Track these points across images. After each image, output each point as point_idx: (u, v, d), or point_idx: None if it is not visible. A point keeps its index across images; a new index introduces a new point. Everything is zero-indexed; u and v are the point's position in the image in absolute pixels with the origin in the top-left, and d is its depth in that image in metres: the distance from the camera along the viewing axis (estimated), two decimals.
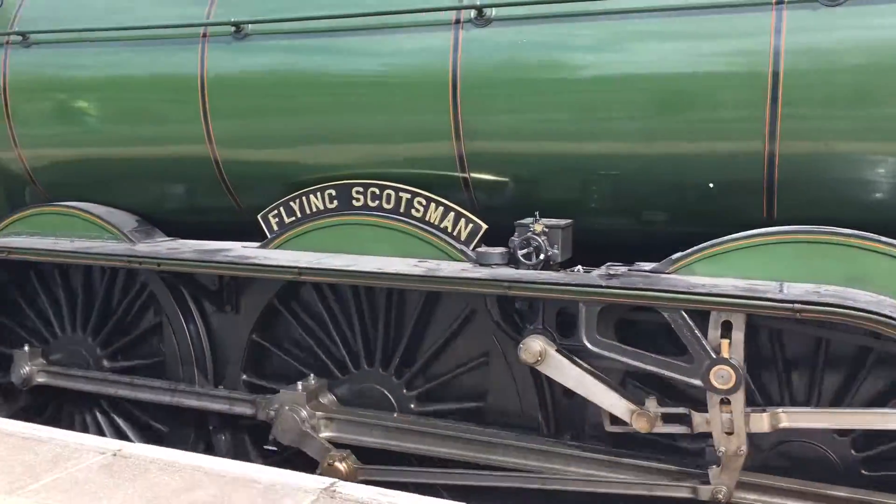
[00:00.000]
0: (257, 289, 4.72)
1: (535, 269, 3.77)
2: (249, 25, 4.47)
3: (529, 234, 3.81)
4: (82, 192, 5.18)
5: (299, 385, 4.35)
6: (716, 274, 3.57)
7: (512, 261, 3.88)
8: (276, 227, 4.54)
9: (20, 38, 5.04)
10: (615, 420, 3.62)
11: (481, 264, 3.93)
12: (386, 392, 4.46)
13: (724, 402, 3.41)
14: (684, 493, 3.54)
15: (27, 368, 5.17)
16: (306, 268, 4.05)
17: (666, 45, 3.72)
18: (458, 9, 4.04)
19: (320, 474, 4.07)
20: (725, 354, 3.32)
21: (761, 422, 3.41)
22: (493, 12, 3.97)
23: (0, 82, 5.06)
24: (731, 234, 3.53)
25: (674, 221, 3.99)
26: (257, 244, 4.59)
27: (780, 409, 3.47)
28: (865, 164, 3.60)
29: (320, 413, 4.29)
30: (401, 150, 4.32)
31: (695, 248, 3.64)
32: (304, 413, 4.26)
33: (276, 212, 4.54)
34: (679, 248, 3.61)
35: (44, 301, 5.43)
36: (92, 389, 5.07)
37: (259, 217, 4.58)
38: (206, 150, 4.66)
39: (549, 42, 3.92)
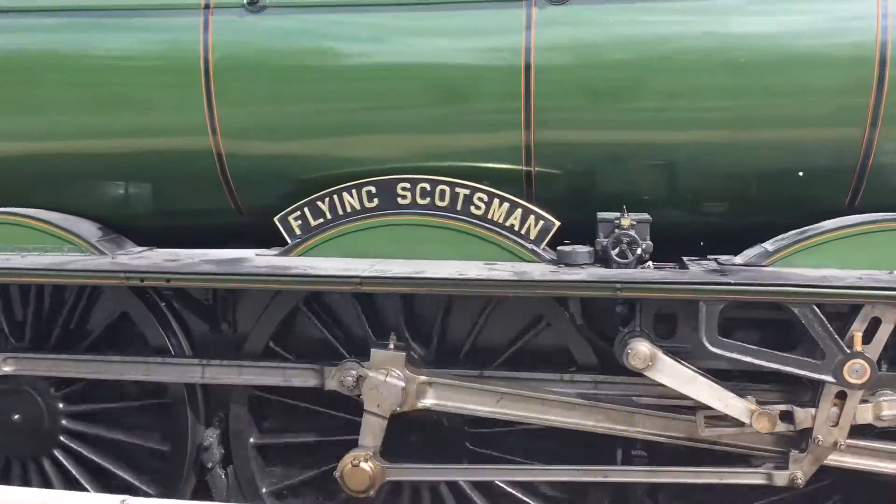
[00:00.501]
0: (279, 302, 4.04)
1: (631, 268, 3.49)
2: None
3: (618, 230, 3.53)
4: (19, 195, 4.24)
5: (391, 344, 3.74)
6: (817, 265, 3.48)
7: (601, 259, 3.57)
8: (298, 231, 3.91)
9: None
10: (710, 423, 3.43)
11: (567, 264, 3.57)
12: None
13: (839, 395, 3.32)
14: (759, 480, 3.42)
15: None
16: (372, 277, 3.48)
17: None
18: None
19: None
20: (859, 348, 3.21)
21: (866, 413, 3.35)
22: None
23: None
24: None
25: None
26: (275, 251, 3.95)
27: (882, 399, 3.42)
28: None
29: (422, 377, 3.72)
30: (462, 141, 3.86)
31: (790, 239, 3.54)
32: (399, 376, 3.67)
33: (298, 213, 3.91)
34: None
35: None
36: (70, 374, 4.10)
37: (276, 220, 3.92)
38: (206, 141, 3.93)
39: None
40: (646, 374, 3.42)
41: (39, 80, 3.97)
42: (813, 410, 3.30)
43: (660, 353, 3.40)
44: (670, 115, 3.66)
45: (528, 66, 3.64)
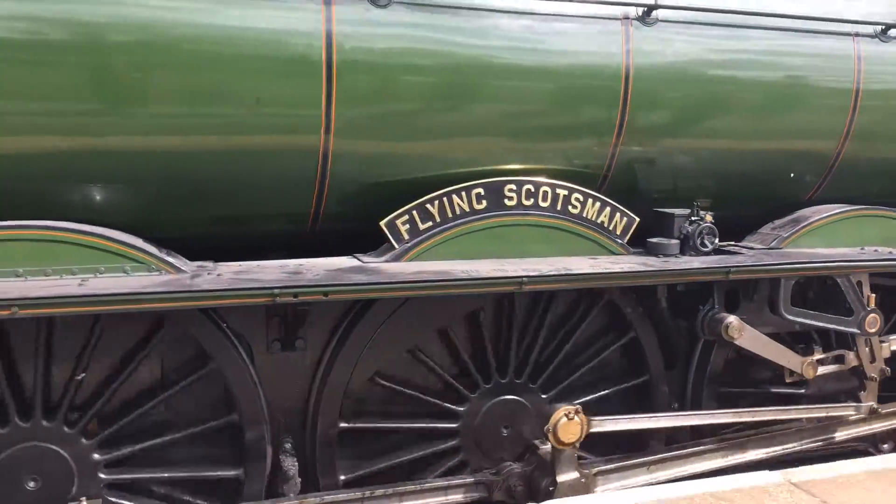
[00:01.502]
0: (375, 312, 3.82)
1: (710, 255, 4.14)
2: None
3: (700, 223, 4.14)
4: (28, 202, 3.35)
5: None
6: (815, 245, 4.50)
7: (686, 249, 4.14)
8: (406, 236, 3.77)
9: None
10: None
11: (664, 255, 4.07)
12: (526, 402, 4.16)
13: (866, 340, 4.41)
14: (850, 412, 4.43)
15: None
16: (536, 276, 3.58)
17: None
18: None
19: None
20: (872, 305, 4.30)
21: (887, 350, 4.50)
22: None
23: None
24: None
25: None
26: (381, 257, 3.74)
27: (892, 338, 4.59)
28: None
29: None
30: (561, 146, 4.08)
31: (790, 227, 4.52)
32: None
33: (406, 217, 3.77)
34: None
35: None
36: None
37: (383, 224, 3.73)
38: (316, 140, 3.56)
39: None
40: (736, 342, 4.10)
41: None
42: (852, 354, 4.31)
43: (746, 325, 4.11)
44: None
45: None
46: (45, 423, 3.39)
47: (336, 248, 3.92)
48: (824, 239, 4.54)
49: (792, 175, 4.67)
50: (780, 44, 4.36)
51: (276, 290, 3.20)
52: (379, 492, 3.70)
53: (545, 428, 3.78)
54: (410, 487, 3.77)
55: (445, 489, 3.84)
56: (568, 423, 3.72)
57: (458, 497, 3.86)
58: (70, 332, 3.45)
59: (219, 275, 3.37)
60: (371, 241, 3.85)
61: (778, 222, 4.64)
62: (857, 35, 4.54)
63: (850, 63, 4.50)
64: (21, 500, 3.36)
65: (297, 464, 3.75)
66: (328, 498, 3.61)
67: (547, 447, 3.85)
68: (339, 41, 3.48)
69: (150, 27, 3.24)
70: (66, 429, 3.42)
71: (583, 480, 3.85)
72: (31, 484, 3.39)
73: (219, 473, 3.71)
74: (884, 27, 4.57)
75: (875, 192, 4.84)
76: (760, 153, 4.52)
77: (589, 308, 4.28)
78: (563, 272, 3.69)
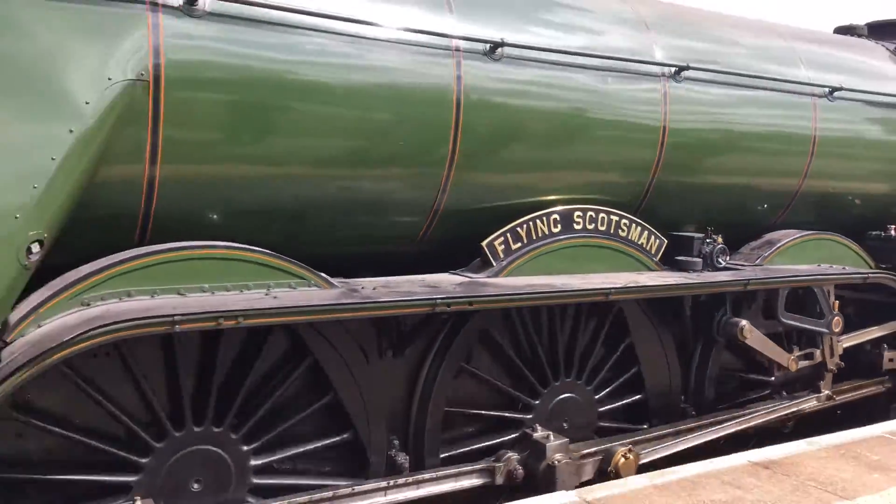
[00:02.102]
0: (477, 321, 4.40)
1: (721, 271, 5.07)
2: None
3: (716, 245, 5.07)
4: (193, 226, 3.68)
5: None
6: (786, 263, 5.57)
7: (706, 265, 5.05)
8: (501, 254, 4.41)
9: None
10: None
11: (693, 270, 4.96)
12: (579, 398, 4.88)
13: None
14: (813, 402, 5.48)
15: None
16: (623, 287, 4.34)
17: None
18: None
19: None
20: (836, 310, 5.41)
21: (841, 347, 5.62)
22: None
23: None
24: None
25: None
26: (481, 273, 4.34)
27: (843, 338, 5.70)
28: None
29: None
30: (611, 178, 4.86)
31: (766, 247, 5.57)
32: None
33: (501, 238, 4.41)
34: None
35: None
36: None
37: (484, 245, 4.35)
38: (441, 171, 4.13)
39: None
40: (746, 342, 5.05)
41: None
42: (818, 351, 5.40)
43: (753, 328, 5.08)
44: None
45: None
46: (214, 428, 3.69)
47: (427, 265, 4.45)
48: (792, 258, 5.63)
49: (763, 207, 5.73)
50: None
51: (438, 301, 3.73)
52: (401, 480, 4.07)
53: (608, 470, 4.51)
54: (427, 476, 4.16)
55: (456, 476, 4.27)
56: (625, 462, 4.51)
57: (467, 482, 4.29)
58: (229, 345, 3.78)
59: (374, 288, 3.84)
60: (449, 260, 4.45)
61: (754, 244, 5.67)
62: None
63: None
64: (186, 501, 3.63)
65: (407, 457, 4.25)
66: (358, 488, 3.92)
67: (539, 433, 4.47)
68: (466, 91, 4.10)
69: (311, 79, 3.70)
70: (231, 434, 3.73)
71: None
72: (196, 486, 3.67)
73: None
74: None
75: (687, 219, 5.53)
76: None
77: (602, 318, 5.02)
78: (641, 285, 4.48)
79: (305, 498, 3.71)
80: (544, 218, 4.56)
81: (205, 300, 3.35)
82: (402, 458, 4.24)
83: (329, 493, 3.81)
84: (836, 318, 5.42)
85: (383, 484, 4.00)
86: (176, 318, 3.13)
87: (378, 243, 4.38)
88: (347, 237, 4.21)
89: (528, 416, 4.68)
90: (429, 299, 3.73)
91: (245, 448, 3.79)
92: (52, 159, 3.00)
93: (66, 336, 2.90)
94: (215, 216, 3.68)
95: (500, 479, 4.36)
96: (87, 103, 3.09)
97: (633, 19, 5.01)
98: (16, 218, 2.93)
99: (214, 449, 3.69)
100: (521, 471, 4.36)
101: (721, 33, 5.50)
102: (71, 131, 3.04)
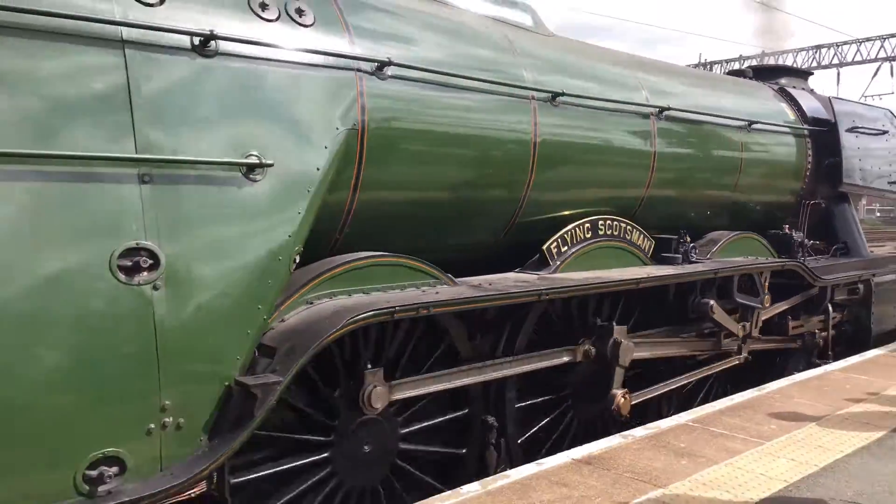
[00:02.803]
0: None
1: (694, 264, 6.63)
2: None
3: (689, 243, 6.63)
4: (365, 240, 4.70)
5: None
6: (726, 256, 7.26)
7: (684, 260, 6.58)
8: (556, 255, 5.70)
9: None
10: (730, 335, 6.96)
11: (676, 264, 6.48)
12: None
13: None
14: (736, 362, 7.18)
15: None
16: (645, 278, 5.77)
17: None
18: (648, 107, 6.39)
19: None
20: (766, 291, 7.17)
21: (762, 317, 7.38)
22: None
23: None
24: None
25: None
26: (543, 271, 5.59)
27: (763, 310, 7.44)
28: None
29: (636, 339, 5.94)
30: (616, 194, 6.28)
31: (714, 244, 7.23)
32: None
33: (555, 242, 5.71)
34: None
35: None
36: None
37: (543, 248, 5.62)
38: (520, 193, 5.35)
39: None
40: (713, 317, 6.65)
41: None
42: (748, 323, 7.13)
43: (718, 306, 6.69)
44: None
45: None
46: None
47: (492, 267, 5.62)
48: (730, 252, 7.33)
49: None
50: None
51: (544, 292, 4.96)
52: (508, 358, 5.22)
53: (612, 408, 5.87)
54: (533, 354, 5.32)
55: (550, 355, 5.48)
56: (625, 401, 5.90)
57: (557, 360, 5.50)
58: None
59: (478, 284, 4.98)
60: (504, 261, 5.67)
61: (700, 242, 7.30)
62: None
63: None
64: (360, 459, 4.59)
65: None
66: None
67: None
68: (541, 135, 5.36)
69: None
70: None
71: None
72: (366, 447, 4.63)
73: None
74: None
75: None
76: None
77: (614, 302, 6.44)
78: (657, 275, 5.92)
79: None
80: (581, 226, 5.89)
81: (405, 295, 4.39)
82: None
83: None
84: (767, 296, 7.19)
85: (489, 363, 5.07)
86: (402, 307, 4.18)
87: (467, 251, 5.52)
88: (450, 245, 5.32)
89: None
90: (548, 289, 4.98)
91: (398, 419, 4.80)
92: (308, 191, 3.95)
93: (338, 322, 3.86)
94: (382, 231, 4.69)
95: (579, 357, 5.62)
96: (325, 147, 4.05)
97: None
98: (289, 237, 3.86)
99: (380, 419, 4.68)
100: (593, 351, 5.68)
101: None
102: (318, 169, 4.00)
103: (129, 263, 3.29)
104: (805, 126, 8.41)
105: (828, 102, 8.84)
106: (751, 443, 5.18)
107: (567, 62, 5.93)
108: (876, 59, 24.16)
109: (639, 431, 5.35)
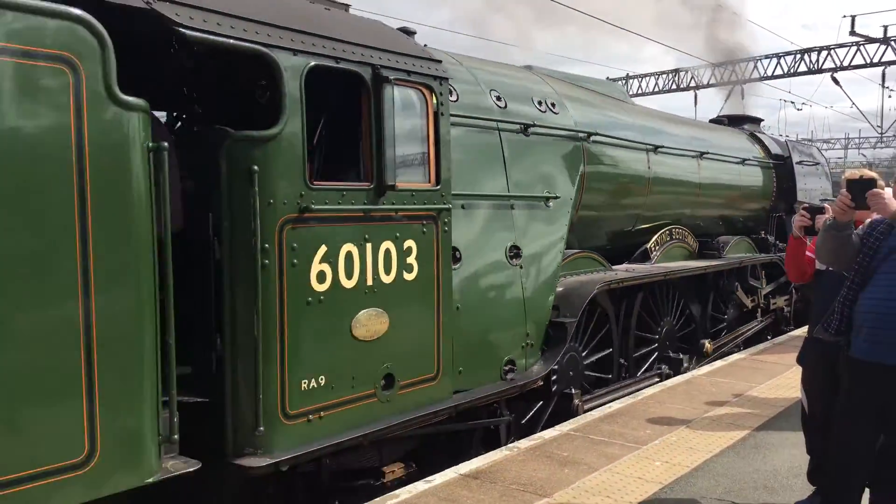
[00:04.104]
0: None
1: (725, 258, 9.68)
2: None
3: (720, 244, 9.68)
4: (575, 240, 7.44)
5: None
6: (731, 253, 10.40)
7: (719, 256, 9.61)
8: (653, 252, 8.58)
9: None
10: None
11: (716, 259, 9.50)
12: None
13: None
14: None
15: None
16: (714, 264, 8.75)
17: None
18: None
19: None
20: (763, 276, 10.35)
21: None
22: None
23: None
24: None
25: None
26: (647, 263, 8.45)
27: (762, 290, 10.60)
28: None
29: None
30: (678, 211, 9.23)
31: (728, 245, 10.35)
32: None
33: (655, 242, 8.60)
34: None
35: None
36: None
37: (647, 246, 8.50)
38: (638, 210, 8.23)
39: None
40: (737, 295, 9.72)
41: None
42: (755, 297, 10.29)
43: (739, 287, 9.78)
44: None
45: None
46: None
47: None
48: (734, 251, 10.43)
49: None
50: None
51: (673, 272, 7.83)
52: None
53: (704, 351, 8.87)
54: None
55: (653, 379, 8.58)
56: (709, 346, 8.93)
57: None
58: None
59: (626, 270, 7.81)
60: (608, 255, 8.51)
61: (712, 243, 10.39)
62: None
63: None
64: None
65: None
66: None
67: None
68: (652, 167, 8.26)
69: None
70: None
71: None
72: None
73: None
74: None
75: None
76: None
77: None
78: (715, 264, 8.91)
79: None
80: (667, 232, 8.82)
81: (609, 275, 7.15)
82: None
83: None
84: (764, 280, 10.35)
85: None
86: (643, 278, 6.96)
87: (609, 249, 8.31)
88: (605, 246, 8.08)
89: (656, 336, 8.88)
90: (702, 267, 7.88)
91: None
92: (567, 212, 6.66)
93: (592, 288, 6.57)
94: (583, 236, 7.43)
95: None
96: (573, 184, 6.76)
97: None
98: (561, 237, 6.54)
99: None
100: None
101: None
102: (570, 198, 6.71)
103: (512, 253, 5.92)
104: (771, 160, 11.72)
105: (784, 143, 12.25)
106: (628, 448, 5.41)
107: (654, 125, 8.87)
108: (729, 83, 25.64)
109: (524, 443, 5.51)
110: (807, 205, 4.40)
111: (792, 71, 24.83)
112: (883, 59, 23.53)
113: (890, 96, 28.83)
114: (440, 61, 5.17)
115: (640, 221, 8.41)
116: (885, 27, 23.01)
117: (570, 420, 5.97)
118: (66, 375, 3.17)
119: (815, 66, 24.35)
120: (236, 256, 3.96)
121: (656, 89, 29.11)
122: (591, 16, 12.28)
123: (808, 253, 4.41)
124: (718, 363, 8.40)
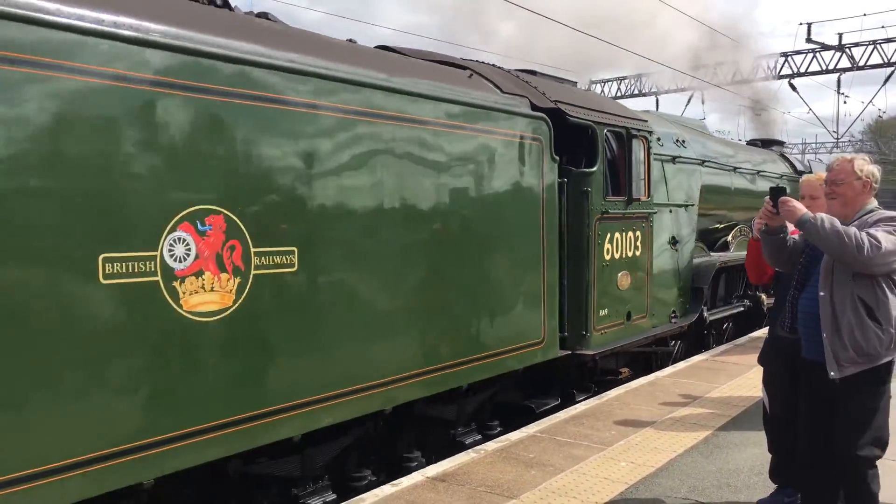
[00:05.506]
0: None
1: None
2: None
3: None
4: None
5: None
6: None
7: None
8: (733, 243, 11.83)
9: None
10: None
11: None
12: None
13: None
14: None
15: None
16: None
17: None
18: None
19: None
20: None
21: None
22: None
23: None
24: None
25: None
26: (729, 252, 11.70)
27: None
28: None
29: None
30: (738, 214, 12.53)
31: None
32: None
33: (731, 236, 11.86)
34: None
35: None
36: None
37: (727, 239, 11.76)
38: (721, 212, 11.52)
39: None
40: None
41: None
42: None
43: None
44: None
45: None
46: None
47: None
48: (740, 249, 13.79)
49: None
50: None
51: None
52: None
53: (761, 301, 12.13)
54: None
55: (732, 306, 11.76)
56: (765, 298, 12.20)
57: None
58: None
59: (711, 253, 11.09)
60: None
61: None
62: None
63: None
64: None
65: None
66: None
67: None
68: (732, 183, 11.56)
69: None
70: None
71: None
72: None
73: None
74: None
75: None
76: None
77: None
78: None
79: None
80: (738, 229, 12.08)
81: (717, 258, 10.40)
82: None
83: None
84: None
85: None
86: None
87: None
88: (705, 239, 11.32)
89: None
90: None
91: None
92: (694, 216, 9.90)
93: (713, 268, 9.81)
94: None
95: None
96: (698, 194, 9.99)
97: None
98: (693, 231, 9.78)
99: None
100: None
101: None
102: (694, 205, 9.94)
103: (672, 241, 9.14)
104: (798, 176, 15.08)
105: (805, 161, 15.66)
106: (594, 449, 5.41)
107: (730, 151, 12.15)
108: (688, 89, 26.13)
109: (490, 445, 5.51)
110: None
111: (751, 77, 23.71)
112: (838, 66, 24.41)
113: (845, 102, 29.47)
114: (647, 121, 8.40)
115: (723, 221, 11.70)
116: (840, 35, 24.18)
117: (535, 422, 6.23)
118: (536, 299, 6.36)
119: (773, 72, 24.59)
120: (576, 236, 7.11)
121: (619, 94, 29.21)
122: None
123: None
124: (681, 364, 8.75)
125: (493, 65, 7.26)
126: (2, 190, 3.08)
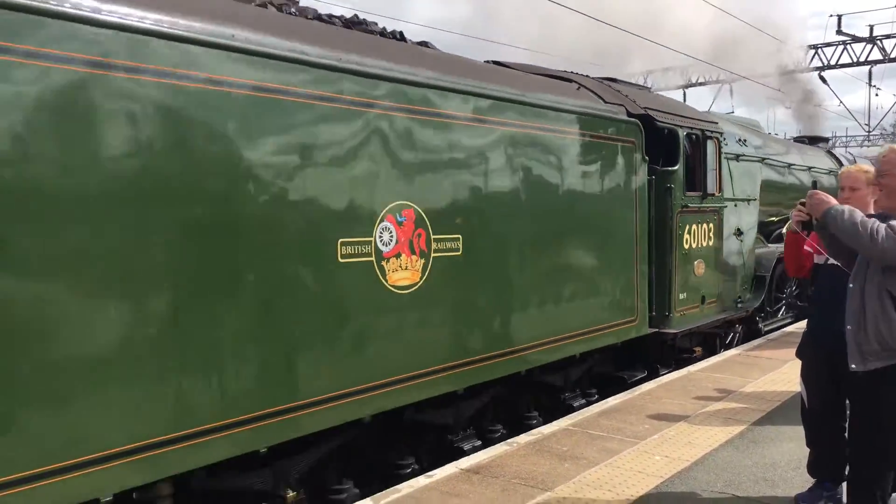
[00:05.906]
0: None
1: None
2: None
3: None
4: None
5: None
6: None
7: None
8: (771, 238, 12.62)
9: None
10: None
11: None
12: None
13: None
14: None
15: None
16: None
17: None
18: None
19: None
20: None
21: None
22: None
23: None
24: None
25: None
26: (771, 247, 12.49)
27: None
28: None
29: None
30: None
31: None
32: None
33: (778, 231, 12.64)
34: None
35: None
36: None
37: (783, 230, 12.54)
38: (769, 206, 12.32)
39: None
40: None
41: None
42: None
43: None
44: None
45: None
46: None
47: None
48: None
49: None
50: None
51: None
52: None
53: None
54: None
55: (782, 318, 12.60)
56: None
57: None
58: None
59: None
60: None
61: None
62: None
63: None
64: None
65: None
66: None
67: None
68: (786, 178, 12.35)
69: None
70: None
71: None
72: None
73: None
74: None
75: None
76: None
77: None
78: None
79: None
80: (781, 221, 12.85)
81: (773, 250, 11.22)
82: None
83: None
84: None
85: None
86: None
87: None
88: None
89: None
90: None
91: None
92: (756, 208, 10.71)
93: (774, 258, 10.62)
94: None
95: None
96: (759, 188, 10.79)
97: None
98: (754, 220, 10.60)
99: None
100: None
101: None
102: (755, 199, 10.75)
103: (737, 232, 9.96)
104: None
105: (851, 156, 16.32)
106: (627, 443, 5.37)
107: (784, 148, 12.91)
108: (717, 81, 25.55)
109: (523, 438, 5.52)
110: (803, 200, 4.11)
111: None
112: (869, 58, 24.07)
113: (877, 94, 29.07)
114: (718, 122, 9.26)
115: (777, 214, 12.47)
116: (871, 26, 23.72)
117: (568, 416, 6.27)
118: (631, 283, 7.26)
119: (804, 64, 22.98)
120: (661, 227, 7.98)
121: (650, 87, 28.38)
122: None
123: (805, 247, 4.44)
124: (714, 359, 8.62)
125: (587, 75, 8.15)
126: (279, 195, 4.14)
